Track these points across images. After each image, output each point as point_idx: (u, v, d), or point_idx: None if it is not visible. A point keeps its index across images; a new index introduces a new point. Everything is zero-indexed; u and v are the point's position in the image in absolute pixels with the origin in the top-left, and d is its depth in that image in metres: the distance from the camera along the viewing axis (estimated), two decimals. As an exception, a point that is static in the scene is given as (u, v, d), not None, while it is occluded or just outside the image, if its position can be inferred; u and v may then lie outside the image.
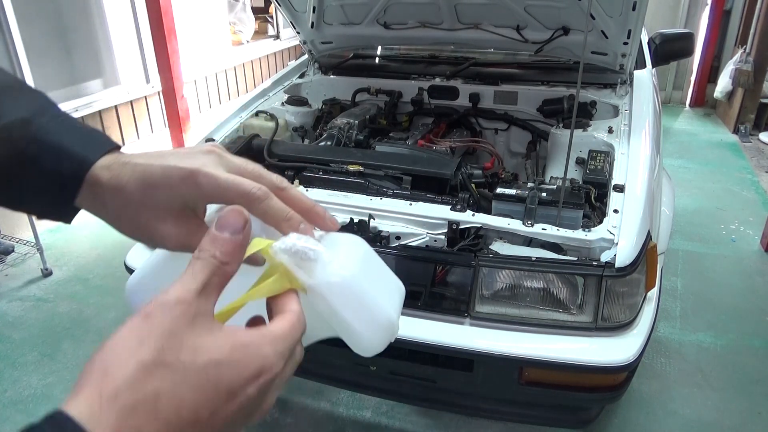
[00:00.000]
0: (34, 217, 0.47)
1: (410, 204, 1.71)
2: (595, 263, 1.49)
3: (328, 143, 2.27)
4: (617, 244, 1.50)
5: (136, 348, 0.31)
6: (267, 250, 0.41)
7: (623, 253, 1.48)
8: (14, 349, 2.50)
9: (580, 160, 2.00)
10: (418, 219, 1.67)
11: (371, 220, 1.68)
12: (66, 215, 0.48)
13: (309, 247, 0.41)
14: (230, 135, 2.25)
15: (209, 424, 0.32)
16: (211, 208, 0.48)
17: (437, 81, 2.69)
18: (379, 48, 3.13)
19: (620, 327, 1.54)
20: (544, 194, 1.68)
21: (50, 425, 0.28)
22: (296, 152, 2.11)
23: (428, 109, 2.64)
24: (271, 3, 4.66)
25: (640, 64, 2.64)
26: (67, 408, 0.29)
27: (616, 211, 1.62)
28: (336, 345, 0.47)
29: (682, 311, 2.71)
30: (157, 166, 0.44)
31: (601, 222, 1.60)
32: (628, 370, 1.52)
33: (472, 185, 1.87)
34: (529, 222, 1.60)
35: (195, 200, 0.45)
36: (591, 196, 1.73)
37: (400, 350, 1.58)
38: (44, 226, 3.47)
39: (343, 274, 0.43)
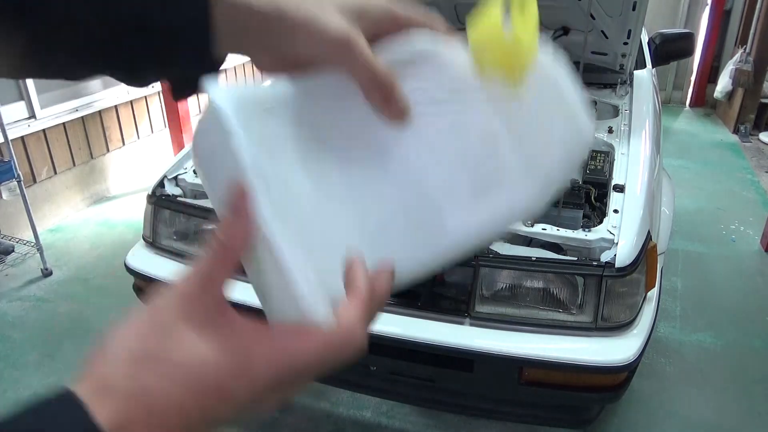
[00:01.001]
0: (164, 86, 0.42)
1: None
2: (595, 263, 1.49)
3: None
4: (617, 244, 1.50)
5: (133, 339, 0.32)
6: None
7: (623, 253, 1.49)
8: (14, 349, 2.50)
9: (580, 160, 2.00)
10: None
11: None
12: (205, 49, 0.40)
13: None
14: (230, 135, 2.25)
15: (201, 419, 0.31)
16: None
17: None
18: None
19: (620, 327, 1.54)
20: (544, 194, 1.68)
21: (57, 399, 0.29)
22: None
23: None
24: (271, 3, 4.64)
25: (640, 64, 2.64)
26: (73, 387, 0.30)
27: (616, 211, 1.62)
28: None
29: (682, 311, 2.71)
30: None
31: (601, 222, 1.60)
32: (628, 370, 1.52)
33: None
34: (529, 222, 1.60)
35: (372, 15, 0.41)
36: (591, 196, 1.73)
37: (400, 350, 1.58)
38: (44, 226, 3.47)
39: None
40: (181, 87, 0.44)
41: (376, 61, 0.38)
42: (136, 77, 0.43)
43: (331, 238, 0.37)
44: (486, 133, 0.40)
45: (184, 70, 0.42)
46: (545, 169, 0.40)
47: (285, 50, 0.40)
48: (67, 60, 0.42)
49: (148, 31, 0.39)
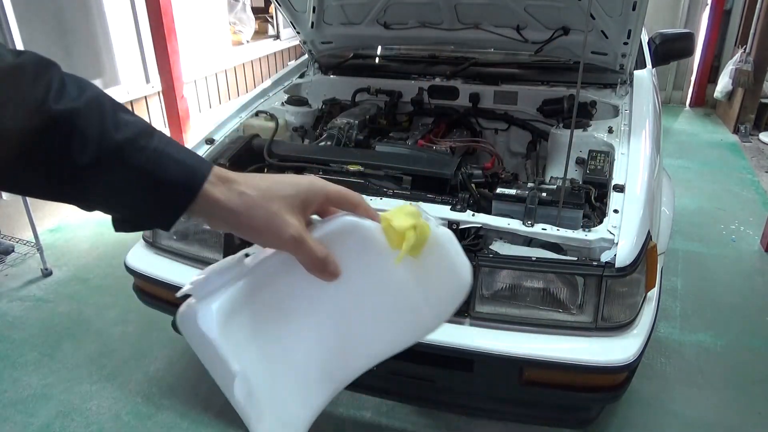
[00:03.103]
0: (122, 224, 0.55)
1: (410, 204, 1.70)
2: (595, 263, 1.49)
3: (328, 143, 2.27)
4: (617, 244, 1.50)
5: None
6: (404, 221, 0.59)
7: (623, 253, 1.48)
8: (14, 349, 2.50)
9: (580, 160, 2.00)
10: (418, 219, 1.66)
11: (371, 220, 1.68)
12: (171, 223, 0.53)
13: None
14: (230, 135, 2.25)
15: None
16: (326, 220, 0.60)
17: (437, 81, 2.69)
18: (379, 48, 3.13)
19: (620, 327, 1.54)
20: (544, 194, 1.68)
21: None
22: (296, 152, 2.11)
23: (428, 109, 2.64)
24: (271, 3, 4.66)
25: (640, 64, 2.64)
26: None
27: (616, 211, 1.62)
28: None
29: (682, 311, 2.71)
30: (279, 176, 0.58)
31: (601, 222, 1.60)
32: (628, 370, 1.52)
33: (472, 185, 1.87)
34: (529, 222, 1.60)
35: (314, 201, 0.57)
36: (591, 196, 1.73)
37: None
38: (44, 226, 3.47)
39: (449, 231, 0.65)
40: (127, 225, 0.55)
41: (315, 249, 0.55)
42: (94, 208, 0.53)
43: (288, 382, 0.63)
44: (398, 282, 0.60)
45: (146, 218, 0.54)
46: (442, 301, 0.64)
47: (245, 236, 0.55)
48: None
49: (149, 183, 0.51)
